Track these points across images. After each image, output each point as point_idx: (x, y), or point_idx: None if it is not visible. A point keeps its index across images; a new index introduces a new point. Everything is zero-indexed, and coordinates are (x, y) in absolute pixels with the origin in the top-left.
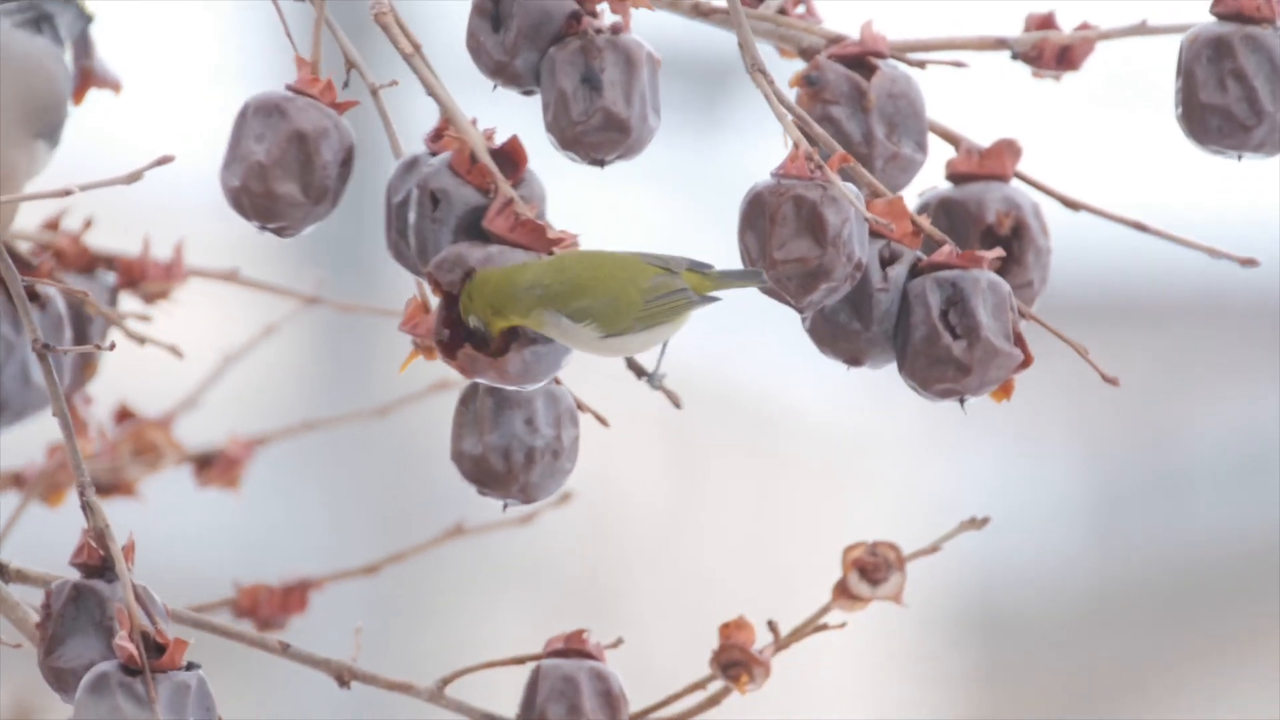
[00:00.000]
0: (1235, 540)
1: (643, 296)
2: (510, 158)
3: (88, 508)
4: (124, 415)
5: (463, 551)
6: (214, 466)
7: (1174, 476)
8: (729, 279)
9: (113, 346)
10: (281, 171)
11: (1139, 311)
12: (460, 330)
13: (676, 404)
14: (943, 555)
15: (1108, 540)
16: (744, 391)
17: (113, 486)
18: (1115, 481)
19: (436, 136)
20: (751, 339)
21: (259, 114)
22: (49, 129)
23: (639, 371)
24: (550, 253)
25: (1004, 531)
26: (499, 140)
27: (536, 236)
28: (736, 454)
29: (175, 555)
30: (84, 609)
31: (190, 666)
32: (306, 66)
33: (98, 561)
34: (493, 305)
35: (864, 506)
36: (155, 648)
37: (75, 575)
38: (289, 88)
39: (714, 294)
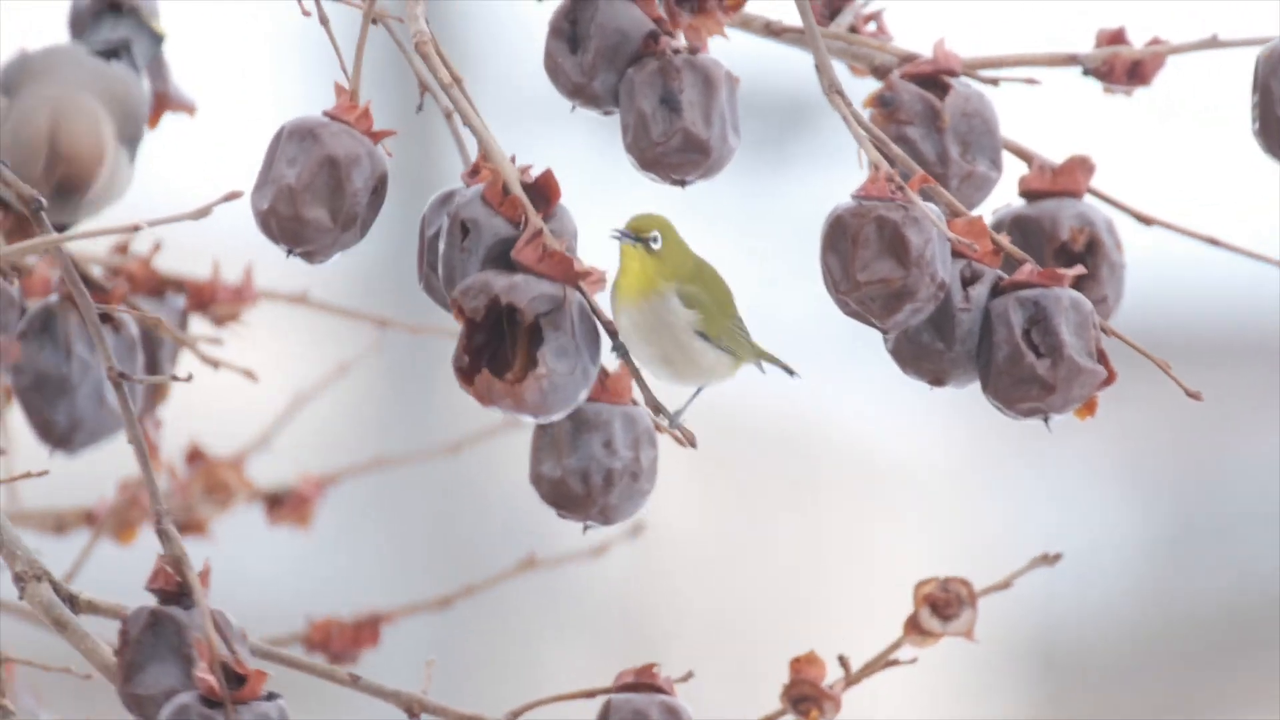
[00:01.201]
0: None
1: (730, 321)
2: (543, 192)
3: (164, 535)
4: (195, 455)
5: (514, 585)
6: (285, 505)
7: (1233, 515)
8: (771, 357)
9: (189, 378)
10: (311, 196)
11: (1203, 349)
12: (479, 359)
13: (691, 443)
14: (1010, 588)
15: (1167, 578)
16: (801, 427)
17: (185, 525)
18: (1174, 519)
19: (474, 173)
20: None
21: (293, 138)
22: (131, 137)
23: (656, 408)
24: (577, 286)
25: (1062, 568)
26: (534, 174)
27: (564, 269)
28: (787, 489)
29: (246, 590)
30: (161, 636)
31: (270, 696)
32: (345, 93)
33: (174, 587)
34: (666, 241)
35: (917, 543)
36: (235, 678)
37: (149, 601)
38: (325, 113)
39: (762, 360)
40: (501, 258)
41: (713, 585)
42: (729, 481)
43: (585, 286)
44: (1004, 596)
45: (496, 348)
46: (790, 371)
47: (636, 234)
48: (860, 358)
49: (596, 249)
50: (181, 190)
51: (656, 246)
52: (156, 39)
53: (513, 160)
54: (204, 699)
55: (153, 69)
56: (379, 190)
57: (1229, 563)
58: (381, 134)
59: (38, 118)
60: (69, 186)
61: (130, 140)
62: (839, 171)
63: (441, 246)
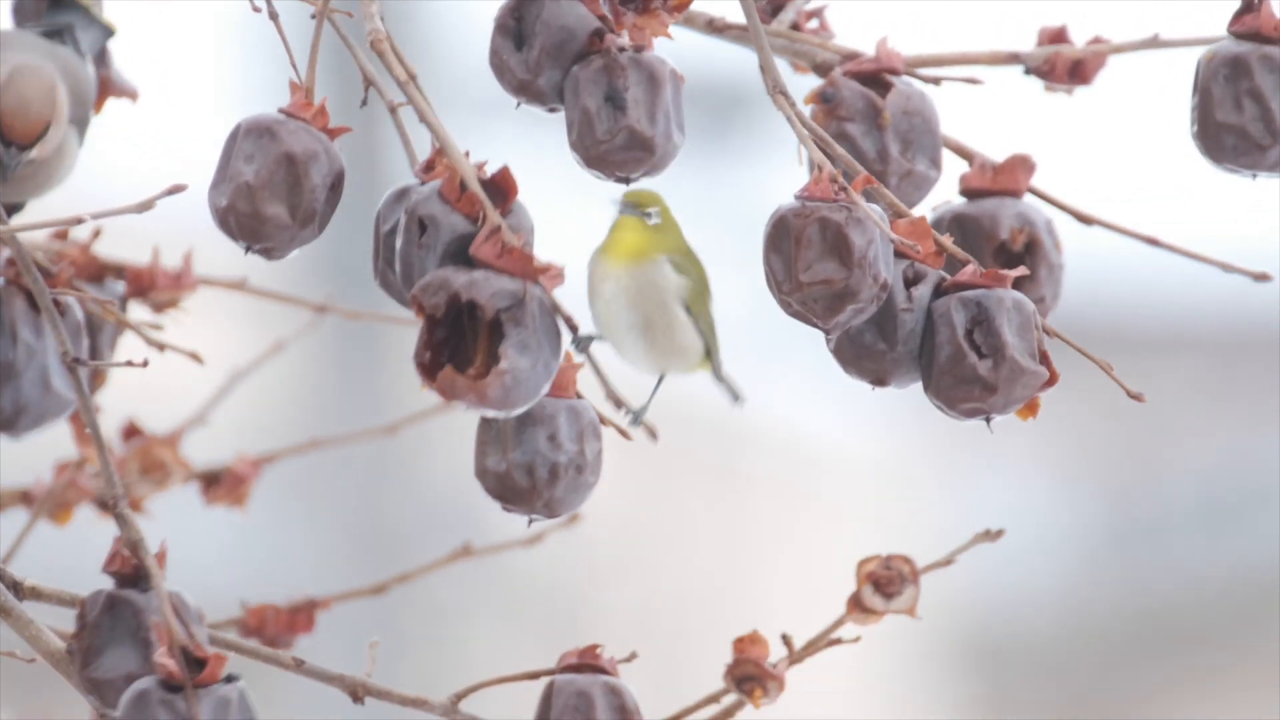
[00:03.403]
0: (1237, 571)
1: (709, 310)
2: (500, 188)
3: (121, 519)
4: (132, 432)
5: (448, 568)
6: (221, 485)
7: (1179, 509)
8: (725, 375)
9: (145, 363)
10: (269, 193)
11: (1152, 343)
12: (440, 354)
13: (654, 438)
14: (947, 582)
15: (1111, 570)
16: (738, 415)
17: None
18: (1121, 512)
19: (428, 168)
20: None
21: (250, 135)
22: (80, 120)
23: (618, 402)
24: (536, 281)
25: (1008, 560)
26: (491, 171)
27: (523, 265)
28: (721, 476)
29: (180, 573)
30: (119, 619)
31: (230, 679)
32: (300, 90)
33: (130, 570)
34: (664, 219)
35: (852, 532)
36: (195, 662)
37: (105, 584)
38: (282, 110)
39: (717, 375)
40: (460, 254)
41: (644, 569)
42: (662, 468)
43: (544, 281)
44: (949, 584)
45: (457, 344)
46: (737, 397)
47: (638, 207)
48: (799, 348)
49: (576, 239)
50: (121, 175)
51: (654, 222)
52: (104, 30)
53: (467, 156)
54: (164, 683)
55: (96, 55)
56: (336, 186)
57: (1165, 557)
58: (338, 131)
59: None
60: (11, 136)
61: (79, 122)
62: (777, 161)
63: (399, 243)
